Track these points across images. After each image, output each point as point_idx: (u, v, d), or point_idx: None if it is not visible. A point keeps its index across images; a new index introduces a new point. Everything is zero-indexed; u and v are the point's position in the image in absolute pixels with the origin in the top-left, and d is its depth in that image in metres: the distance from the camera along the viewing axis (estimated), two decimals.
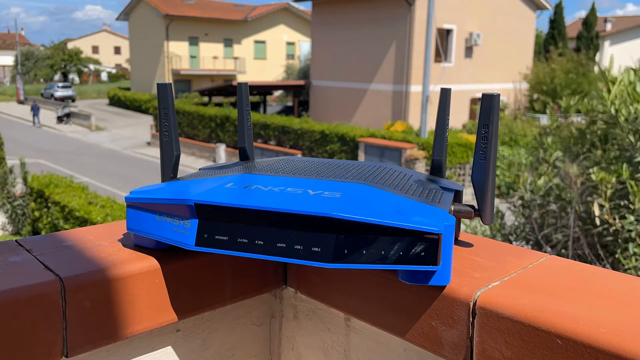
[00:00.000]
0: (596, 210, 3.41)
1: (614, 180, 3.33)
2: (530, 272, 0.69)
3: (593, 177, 3.43)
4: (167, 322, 0.75)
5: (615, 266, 3.51)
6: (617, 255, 3.44)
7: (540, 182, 3.93)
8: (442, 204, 0.69)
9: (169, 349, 0.81)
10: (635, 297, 0.62)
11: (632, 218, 3.27)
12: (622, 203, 3.41)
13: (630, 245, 3.27)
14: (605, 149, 3.80)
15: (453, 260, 0.66)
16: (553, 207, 3.89)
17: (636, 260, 3.24)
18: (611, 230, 3.42)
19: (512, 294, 0.62)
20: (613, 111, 3.54)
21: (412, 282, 0.65)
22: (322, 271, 0.80)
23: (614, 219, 3.37)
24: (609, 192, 3.36)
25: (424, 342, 0.67)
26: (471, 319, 0.62)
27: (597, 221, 3.45)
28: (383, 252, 0.62)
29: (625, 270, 3.27)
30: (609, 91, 3.60)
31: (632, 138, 3.41)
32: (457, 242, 0.81)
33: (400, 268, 0.62)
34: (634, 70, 3.68)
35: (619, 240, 3.41)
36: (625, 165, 3.36)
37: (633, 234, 3.28)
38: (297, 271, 0.85)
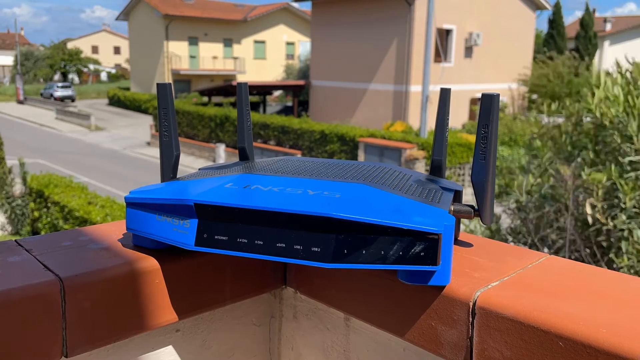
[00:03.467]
0: (588, 210, 3.43)
1: (604, 179, 3.35)
2: (530, 272, 0.69)
3: (584, 176, 3.46)
4: (167, 322, 0.75)
5: (609, 265, 3.52)
6: (610, 255, 3.45)
7: (533, 183, 3.95)
8: (442, 204, 0.69)
9: (169, 349, 0.81)
10: (635, 297, 0.62)
11: (624, 217, 3.29)
12: (614, 202, 3.42)
13: (624, 244, 3.28)
14: (595, 150, 3.83)
15: (453, 260, 0.66)
16: (548, 208, 3.90)
17: (628, 259, 3.25)
18: (604, 229, 3.44)
19: (511, 294, 0.62)
20: (598, 114, 3.58)
21: (412, 282, 0.65)
22: (322, 271, 0.80)
23: (607, 218, 3.39)
24: (600, 192, 3.38)
25: (424, 342, 0.67)
26: (471, 319, 0.62)
27: (590, 220, 3.47)
28: (383, 252, 0.62)
29: (618, 269, 3.28)
30: (593, 94, 3.64)
31: (618, 139, 3.44)
32: (457, 242, 0.81)
33: (400, 268, 0.62)
34: (621, 73, 3.72)
35: (612, 240, 3.42)
36: (613, 166, 3.38)
37: (626, 233, 3.29)
38: (297, 271, 0.85)
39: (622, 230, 3.30)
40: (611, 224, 3.33)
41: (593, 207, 3.45)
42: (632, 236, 3.25)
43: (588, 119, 3.91)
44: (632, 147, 3.40)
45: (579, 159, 3.94)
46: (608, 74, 3.78)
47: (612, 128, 3.48)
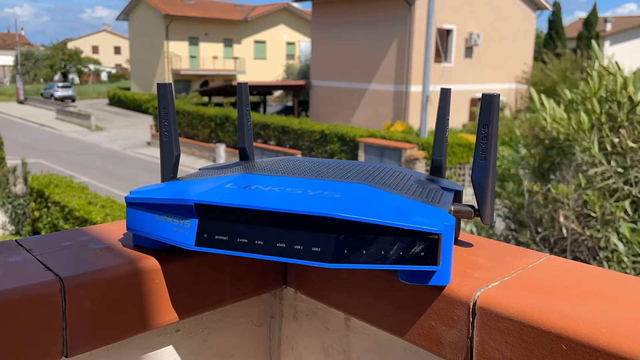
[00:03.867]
0: (562, 220, 3.47)
1: (572, 192, 3.41)
2: (530, 272, 0.69)
3: (553, 191, 3.52)
4: (167, 322, 0.75)
5: None
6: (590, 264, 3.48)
7: (512, 203, 4.03)
8: (442, 204, 0.69)
9: (169, 349, 0.81)
10: (635, 297, 0.62)
11: (598, 226, 3.33)
12: (584, 212, 3.47)
13: (601, 253, 3.32)
14: (563, 162, 3.91)
15: (453, 260, 0.66)
16: (532, 220, 3.95)
17: (610, 266, 3.27)
18: (580, 240, 3.48)
19: (512, 294, 0.62)
20: (556, 133, 3.66)
21: (412, 282, 0.65)
22: (322, 271, 0.80)
23: (583, 228, 3.42)
24: (570, 203, 3.43)
25: (424, 342, 0.67)
26: (471, 319, 0.62)
27: (565, 232, 3.51)
28: (383, 252, 0.62)
29: None
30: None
31: (580, 154, 3.51)
32: (457, 242, 0.81)
33: (400, 268, 0.62)
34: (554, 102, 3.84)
35: (588, 249, 3.45)
36: (581, 177, 3.45)
37: (602, 242, 3.32)
38: (297, 271, 0.85)
39: (599, 238, 3.34)
40: (588, 233, 3.36)
41: (567, 218, 3.49)
42: (609, 244, 3.29)
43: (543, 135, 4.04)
44: (593, 160, 3.46)
45: (547, 173, 4.04)
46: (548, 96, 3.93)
47: (569, 145, 3.58)
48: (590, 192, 3.34)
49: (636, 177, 3.30)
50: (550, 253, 3.82)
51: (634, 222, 3.27)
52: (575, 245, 3.54)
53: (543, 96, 3.81)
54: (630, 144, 3.29)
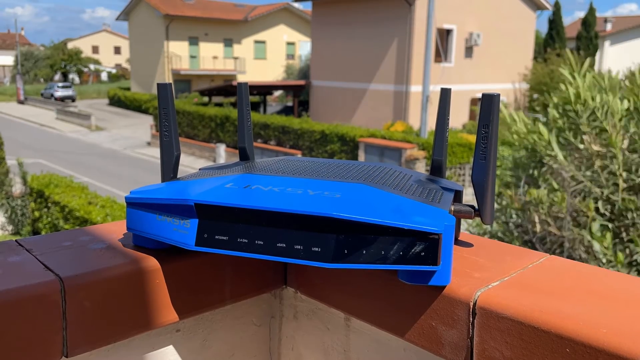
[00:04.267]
0: (537, 223, 3.52)
1: (545, 195, 3.47)
2: (530, 272, 0.69)
3: (527, 196, 3.59)
4: (167, 322, 0.75)
5: None
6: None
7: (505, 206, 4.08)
8: (442, 204, 0.69)
9: (169, 348, 0.81)
10: (635, 297, 0.62)
11: (570, 226, 3.37)
12: (558, 215, 3.54)
13: (578, 253, 3.36)
14: (536, 167, 4.00)
15: (453, 260, 0.66)
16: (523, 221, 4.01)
17: (601, 264, 3.31)
18: (560, 241, 3.52)
19: (512, 294, 0.62)
20: (527, 143, 3.79)
21: (412, 282, 0.65)
22: (322, 271, 0.80)
23: (559, 229, 3.46)
24: (545, 206, 3.48)
25: (424, 342, 0.67)
26: (471, 319, 0.62)
27: (538, 229, 3.57)
28: (383, 252, 0.62)
29: None
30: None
31: (550, 162, 3.59)
32: (457, 242, 0.81)
33: (400, 268, 0.62)
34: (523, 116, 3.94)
35: (568, 249, 3.48)
36: (553, 181, 3.54)
37: (576, 243, 3.36)
38: (297, 271, 0.85)
39: (571, 238, 3.39)
40: (566, 234, 3.40)
41: (543, 221, 3.54)
42: (582, 243, 3.33)
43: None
44: (561, 166, 3.54)
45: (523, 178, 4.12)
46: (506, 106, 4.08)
47: (545, 154, 3.67)
48: (558, 194, 3.41)
49: (606, 178, 3.35)
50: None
51: (609, 221, 3.33)
52: (555, 245, 3.57)
53: (513, 112, 3.92)
54: (596, 148, 3.35)
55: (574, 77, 3.60)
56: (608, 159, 3.35)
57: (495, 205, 4.29)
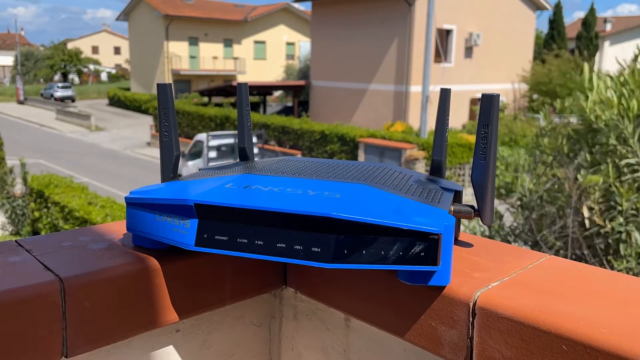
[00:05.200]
0: (585, 213, 3.43)
1: (600, 182, 3.35)
2: (530, 272, 0.69)
3: (580, 179, 3.46)
4: (167, 322, 0.75)
5: (609, 267, 3.51)
6: (609, 257, 3.44)
7: (534, 185, 3.95)
8: (442, 204, 0.69)
9: (169, 349, 0.81)
10: (635, 297, 0.62)
11: (621, 219, 3.29)
12: (611, 204, 3.42)
13: (622, 247, 3.28)
14: (592, 152, 3.82)
15: (453, 261, 0.66)
16: (551, 208, 3.90)
17: (627, 262, 3.25)
18: (602, 232, 3.44)
19: (512, 294, 0.62)
20: (593, 118, 3.58)
21: (412, 282, 0.65)
22: (322, 271, 0.80)
23: (605, 220, 3.39)
24: (597, 194, 3.38)
25: (424, 342, 0.67)
26: (471, 319, 0.62)
27: (587, 223, 3.47)
28: (383, 252, 0.62)
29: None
30: (586, 97, 3.63)
31: (614, 142, 3.44)
32: (457, 242, 0.81)
33: (400, 268, 0.62)
34: (610, 77, 3.72)
35: (610, 242, 3.42)
36: (610, 167, 3.37)
37: (624, 236, 3.29)
38: (297, 271, 0.85)
39: (620, 232, 3.31)
40: (609, 226, 3.33)
41: (590, 209, 3.45)
42: (630, 238, 3.25)
43: (578, 121, 3.94)
44: (628, 150, 3.40)
45: (576, 161, 3.94)
46: (599, 77, 3.79)
47: (608, 131, 3.48)
48: (619, 184, 3.28)
49: None
50: (562, 246, 3.79)
51: None
52: (589, 239, 3.50)
53: (594, 75, 3.69)
54: None
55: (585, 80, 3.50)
56: None
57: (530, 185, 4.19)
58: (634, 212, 3.29)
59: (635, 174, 3.29)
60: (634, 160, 3.30)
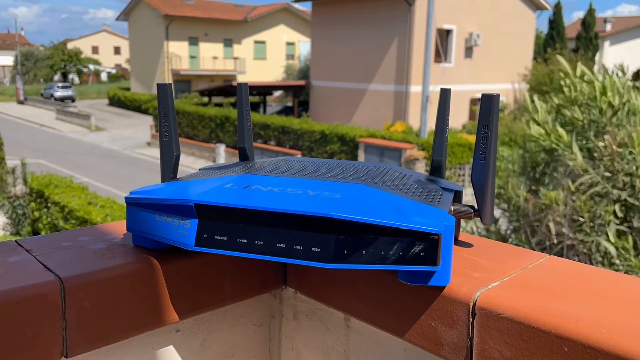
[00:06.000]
0: (552, 227, 3.47)
1: (561, 197, 3.41)
2: (530, 272, 0.69)
3: (542, 197, 3.52)
4: (167, 322, 0.75)
5: None
6: None
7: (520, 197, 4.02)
8: (442, 204, 0.69)
9: (169, 349, 0.81)
10: (635, 297, 0.62)
11: (587, 230, 3.33)
12: (574, 217, 3.48)
13: (595, 257, 3.33)
14: (549, 167, 3.91)
15: (453, 261, 0.66)
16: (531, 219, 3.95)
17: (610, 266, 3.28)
18: (573, 244, 3.48)
19: (511, 294, 0.62)
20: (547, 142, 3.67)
21: (412, 282, 0.65)
22: (322, 271, 0.80)
23: (574, 232, 3.42)
24: (560, 208, 3.43)
25: (424, 343, 0.67)
26: (471, 319, 0.62)
27: (555, 239, 3.51)
28: (383, 253, 0.62)
29: None
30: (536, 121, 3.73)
31: (570, 162, 3.52)
32: (457, 242, 0.81)
33: (400, 268, 0.62)
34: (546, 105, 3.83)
35: (584, 253, 3.46)
36: (570, 183, 3.45)
37: (593, 247, 3.33)
38: (297, 271, 0.85)
39: (590, 242, 3.35)
40: (579, 237, 3.37)
41: (557, 223, 3.49)
42: (600, 248, 3.29)
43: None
44: (571, 158, 3.47)
45: (537, 177, 4.04)
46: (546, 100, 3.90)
47: (563, 150, 3.57)
48: (578, 197, 3.35)
49: (624, 180, 3.30)
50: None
51: (622, 224, 3.28)
52: (571, 250, 3.54)
53: (537, 101, 3.78)
54: (616, 149, 3.30)
55: (581, 79, 3.54)
56: (626, 160, 3.30)
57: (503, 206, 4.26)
58: (599, 221, 3.33)
59: (592, 189, 3.36)
60: (587, 177, 3.38)
